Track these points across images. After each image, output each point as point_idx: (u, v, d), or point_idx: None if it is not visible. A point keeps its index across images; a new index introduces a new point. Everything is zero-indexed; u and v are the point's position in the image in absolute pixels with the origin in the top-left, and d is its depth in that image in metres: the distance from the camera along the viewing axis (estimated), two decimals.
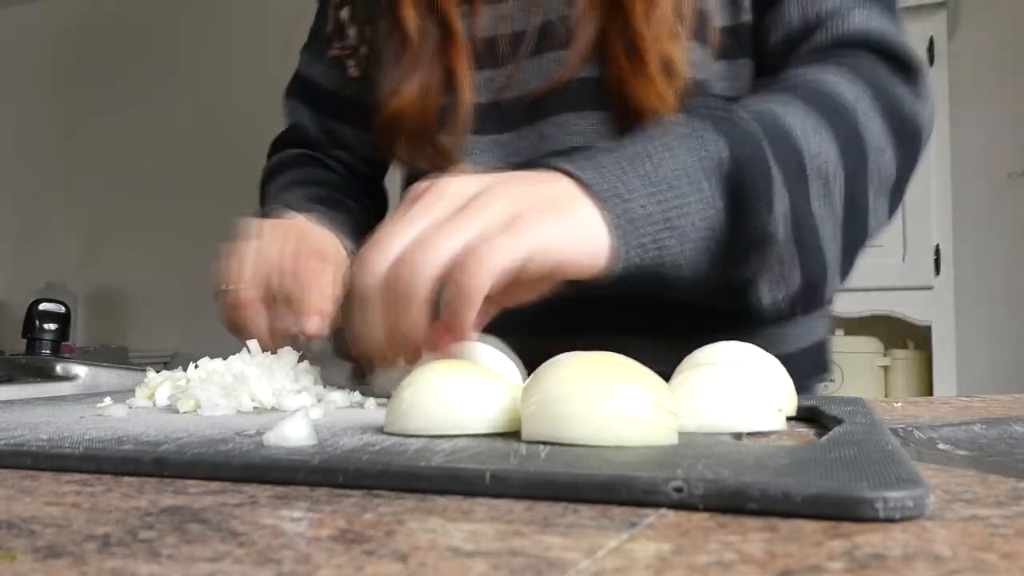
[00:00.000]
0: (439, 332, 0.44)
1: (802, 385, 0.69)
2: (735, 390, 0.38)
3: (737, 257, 0.54)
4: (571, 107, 0.71)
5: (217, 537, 0.22)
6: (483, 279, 0.41)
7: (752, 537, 0.22)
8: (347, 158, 0.88)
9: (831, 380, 0.75)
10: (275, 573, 0.19)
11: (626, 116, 0.67)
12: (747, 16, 0.69)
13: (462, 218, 0.43)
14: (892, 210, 0.64)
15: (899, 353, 2.26)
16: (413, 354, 0.45)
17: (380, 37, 0.78)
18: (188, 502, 0.27)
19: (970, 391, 2.21)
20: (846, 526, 0.23)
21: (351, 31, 0.83)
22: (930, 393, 2.16)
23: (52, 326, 0.85)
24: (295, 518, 0.25)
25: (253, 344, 0.54)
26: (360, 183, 0.88)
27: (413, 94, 0.74)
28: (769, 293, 0.58)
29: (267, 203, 0.81)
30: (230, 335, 0.65)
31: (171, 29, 3.74)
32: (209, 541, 0.22)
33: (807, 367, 0.73)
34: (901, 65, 0.65)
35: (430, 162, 0.74)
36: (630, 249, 0.48)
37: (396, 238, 0.44)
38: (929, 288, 2.16)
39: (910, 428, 0.40)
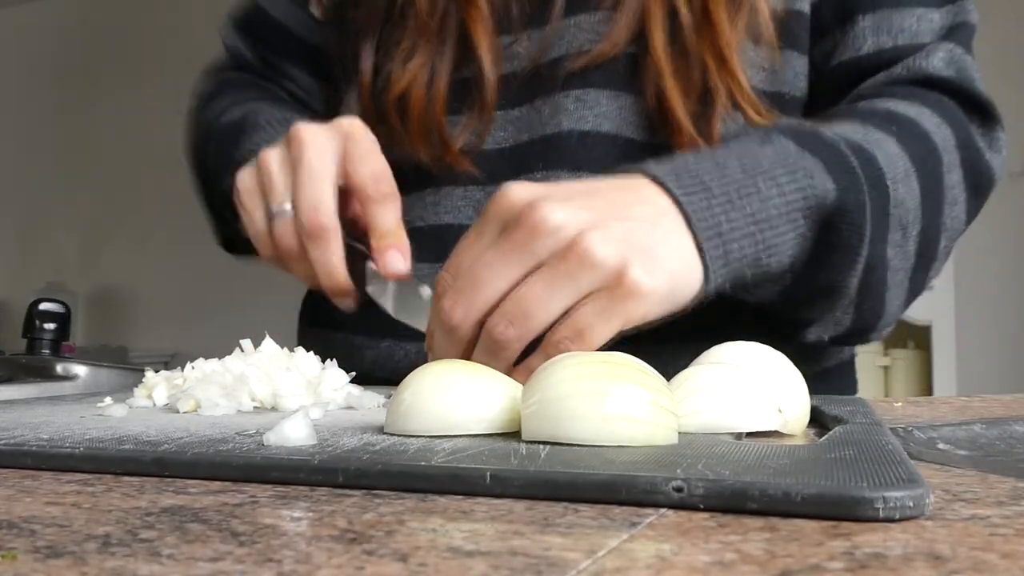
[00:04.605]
0: (520, 374, 0.42)
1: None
2: (735, 390, 0.37)
3: (805, 298, 0.54)
4: (600, 83, 0.62)
5: (217, 537, 0.22)
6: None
7: (752, 537, 0.22)
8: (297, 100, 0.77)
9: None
10: (275, 573, 0.19)
11: (662, 104, 0.60)
12: (803, 5, 0.63)
13: (567, 276, 0.42)
14: (945, 260, 0.62)
15: (899, 353, 2.26)
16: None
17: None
18: (188, 502, 0.27)
19: (970, 391, 2.21)
20: (846, 526, 0.23)
21: None
22: (930, 393, 2.16)
23: (52, 326, 0.85)
24: (295, 518, 0.25)
25: (247, 343, 0.53)
26: None
27: (419, 72, 0.63)
28: (815, 332, 0.57)
29: (218, 128, 0.69)
30: (230, 335, 0.60)
31: (171, 29, 3.74)
32: (209, 541, 0.22)
33: (834, 386, 0.68)
34: (980, 113, 0.62)
35: (435, 154, 0.64)
36: (713, 286, 0.48)
37: (491, 276, 0.42)
38: (929, 288, 2.15)
39: (910, 428, 0.40)
